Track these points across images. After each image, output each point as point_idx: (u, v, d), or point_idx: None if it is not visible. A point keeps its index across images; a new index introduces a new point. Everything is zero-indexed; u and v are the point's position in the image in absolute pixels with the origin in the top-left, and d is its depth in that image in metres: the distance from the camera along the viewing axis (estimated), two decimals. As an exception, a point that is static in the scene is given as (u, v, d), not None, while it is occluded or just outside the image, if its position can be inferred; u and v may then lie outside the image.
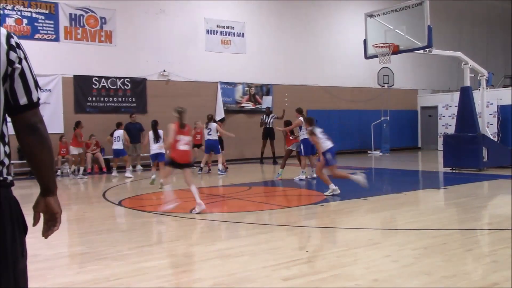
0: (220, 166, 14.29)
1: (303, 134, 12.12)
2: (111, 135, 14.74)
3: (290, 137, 12.92)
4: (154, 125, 12.23)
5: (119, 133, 14.54)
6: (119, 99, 17.09)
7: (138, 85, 17.43)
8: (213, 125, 14.29)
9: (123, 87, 17.13)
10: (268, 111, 18.00)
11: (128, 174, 14.28)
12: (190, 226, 7.12)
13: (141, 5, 17.41)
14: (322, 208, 8.26)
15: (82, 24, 16.33)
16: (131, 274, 4.62)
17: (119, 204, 9.17)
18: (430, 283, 4.10)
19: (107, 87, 16.83)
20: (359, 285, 4.09)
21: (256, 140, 18.06)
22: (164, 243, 6.07)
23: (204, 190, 11.08)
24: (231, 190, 10.97)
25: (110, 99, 16.94)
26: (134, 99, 17.34)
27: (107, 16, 16.77)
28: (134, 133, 16.08)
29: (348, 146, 21.87)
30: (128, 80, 17.23)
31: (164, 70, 17.85)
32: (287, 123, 13.15)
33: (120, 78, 17.06)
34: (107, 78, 16.80)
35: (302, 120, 12.27)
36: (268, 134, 17.43)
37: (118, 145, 14.51)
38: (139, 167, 16.09)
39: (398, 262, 4.76)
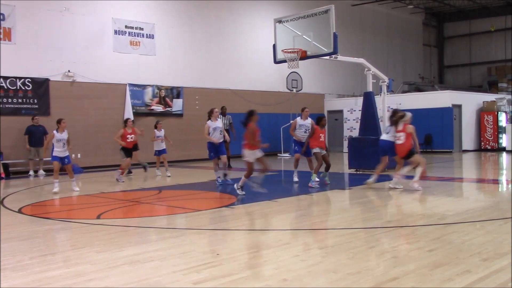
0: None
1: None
2: None
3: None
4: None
5: None
6: (19, 100, 16.14)
7: (40, 86, 16.57)
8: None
9: (23, 88, 16.21)
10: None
11: None
12: (97, 233, 6.86)
13: (43, 2, 16.58)
14: (233, 211, 8.31)
15: (-23, 20, 15.29)
16: (32, 285, 4.38)
17: (19, 211, 8.66)
18: (336, 281, 4.26)
19: (5, 87, 15.84)
20: (269, 285, 4.16)
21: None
22: (68, 251, 5.81)
23: (111, 195, 10.76)
24: (141, 195, 10.73)
25: (10, 100, 15.95)
26: (35, 101, 16.45)
27: (6, 12, 15.79)
28: (37, 137, 15.23)
29: (259, 149, 22.19)
30: (29, 80, 16.32)
31: (69, 71, 17.11)
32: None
33: (20, 78, 16.13)
34: (5, 78, 15.82)
35: None
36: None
37: None
38: (41, 171, 15.30)
39: (306, 262, 4.90)
